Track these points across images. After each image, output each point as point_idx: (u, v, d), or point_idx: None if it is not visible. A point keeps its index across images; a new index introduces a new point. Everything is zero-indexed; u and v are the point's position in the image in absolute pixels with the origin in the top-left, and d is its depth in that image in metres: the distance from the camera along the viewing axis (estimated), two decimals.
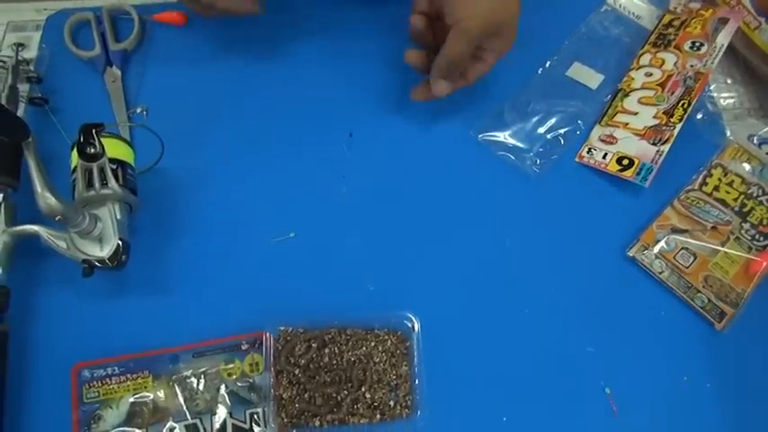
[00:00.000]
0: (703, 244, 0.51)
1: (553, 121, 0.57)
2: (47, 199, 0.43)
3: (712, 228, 0.52)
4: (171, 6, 0.60)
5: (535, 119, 0.57)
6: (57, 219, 0.43)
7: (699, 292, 0.50)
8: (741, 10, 0.60)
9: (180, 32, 0.60)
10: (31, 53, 0.59)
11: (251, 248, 0.51)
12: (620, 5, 0.63)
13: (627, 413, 0.47)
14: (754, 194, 0.53)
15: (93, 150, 0.47)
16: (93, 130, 0.47)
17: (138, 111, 0.57)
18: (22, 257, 0.48)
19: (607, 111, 0.57)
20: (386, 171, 0.55)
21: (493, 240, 0.52)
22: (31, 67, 0.58)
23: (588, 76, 0.59)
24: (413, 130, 0.57)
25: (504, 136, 0.56)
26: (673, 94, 0.56)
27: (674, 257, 0.51)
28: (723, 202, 0.53)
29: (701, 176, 0.55)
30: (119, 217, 0.48)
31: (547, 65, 0.60)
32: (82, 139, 0.47)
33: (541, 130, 0.57)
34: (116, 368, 0.46)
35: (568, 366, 0.48)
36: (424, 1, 0.52)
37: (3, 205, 0.48)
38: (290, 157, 0.55)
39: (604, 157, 0.54)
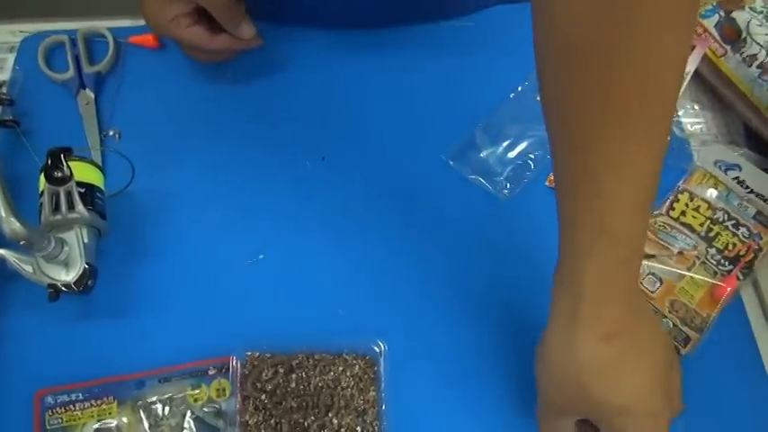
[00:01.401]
0: (670, 269, 0.52)
1: (524, 145, 0.58)
2: (11, 224, 0.42)
3: (678, 253, 0.53)
4: (146, 29, 0.61)
5: (506, 143, 0.58)
6: (21, 243, 0.43)
7: (664, 316, 0.50)
8: (707, 37, 0.62)
9: (154, 56, 0.60)
10: (4, 75, 0.59)
11: (219, 272, 0.51)
12: None
13: None
14: (720, 219, 0.54)
15: (60, 174, 0.47)
16: (61, 154, 0.47)
17: (111, 134, 0.57)
18: None
19: None
20: (357, 195, 0.55)
21: (462, 264, 0.52)
22: (4, 90, 0.58)
23: None
24: (384, 154, 0.57)
25: (475, 159, 0.57)
26: None
27: (640, 282, 0.52)
28: (690, 227, 0.54)
29: (668, 201, 0.55)
30: (86, 241, 0.48)
31: (518, 89, 0.61)
32: (49, 163, 0.47)
33: (512, 153, 0.57)
34: (80, 394, 0.46)
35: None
36: None
37: None
38: (260, 180, 0.55)
39: None
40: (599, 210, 0.35)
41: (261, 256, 0.52)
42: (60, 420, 0.45)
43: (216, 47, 0.55)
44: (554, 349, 0.38)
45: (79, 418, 0.45)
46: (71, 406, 0.46)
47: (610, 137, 0.34)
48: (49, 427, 0.45)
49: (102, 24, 0.62)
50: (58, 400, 0.46)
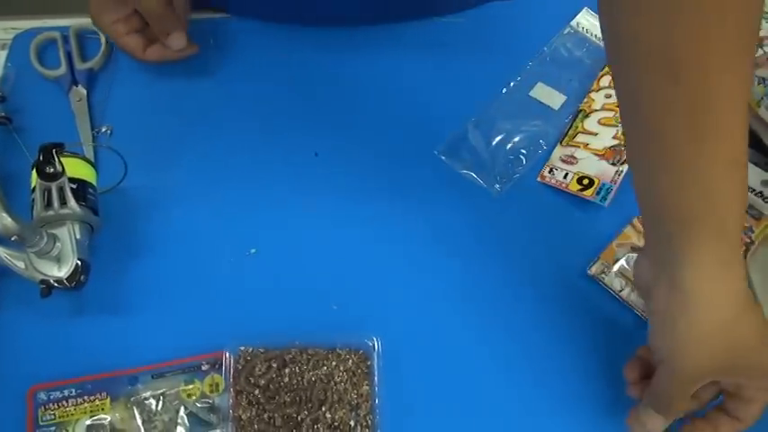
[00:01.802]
0: None
1: (516, 140, 0.58)
2: (2, 219, 0.42)
3: None
4: None
5: (498, 138, 0.58)
6: (13, 239, 0.43)
7: None
8: None
9: None
10: None
11: (212, 268, 0.51)
12: (583, 28, 0.65)
13: (591, 430, 0.47)
14: None
15: (52, 170, 0.47)
16: (53, 150, 0.47)
17: (104, 130, 0.57)
18: None
19: (568, 131, 0.58)
20: (350, 190, 0.55)
21: (455, 259, 0.52)
22: None
23: (551, 97, 0.60)
24: (377, 149, 0.57)
25: (467, 155, 0.57)
26: None
27: (633, 275, 0.52)
28: None
29: None
30: (78, 237, 0.48)
31: (511, 85, 0.61)
32: (41, 159, 0.47)
33: (504, 149, 0.57)
34: (73, 390, 0.46)
35: (531, 385, 0.48)
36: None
37: None
38: (253, 176, 0.55)
39: (565, 176, 0.55)
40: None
41: (252, 251, 0.52)
42: (53, 416, 0.45)
43: (147, 59, 0.57)
44: (711, 318, 0.38)
45: (72, 415, 0.45)
46: (64, 402, 0.45)
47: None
48: (41, 423, 0.45)
49: None
50: (51, 397, 0.46)
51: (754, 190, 0.55)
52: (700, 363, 0.38)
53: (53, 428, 0.45)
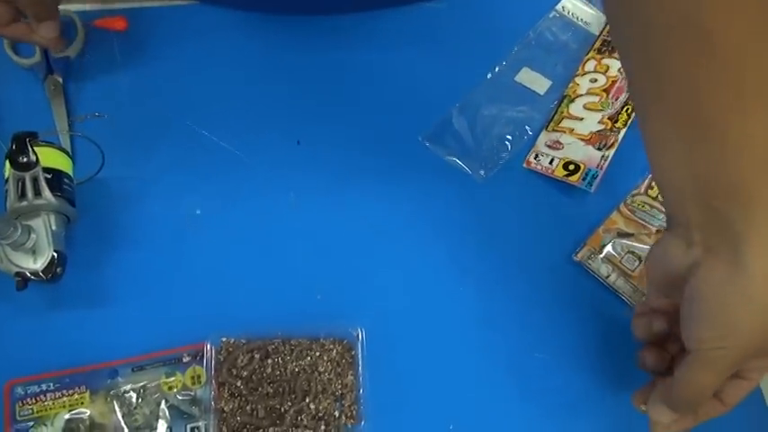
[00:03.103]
0: (648, 247, 0.52)
1: (501, 126, 0.57)
2: None
3: (657, 231, 0.52)
4: (112, 12, 0.59)
5: (483, 124, 0.57)
6: None
7: (644, 295, 0.50)
8: None
9: (123, 39, 0.59)
10: None
11: (192, 259, 0.50)
12: (569, 12, 0.64)
13: (577, 417, 0.47)
14: None
15: (25, 160, 0.45)
16: (26, 139, 0.46)
17: (80, 119, 0.56)
18: None
19: (553, 116, 0.57)
20: (333, 178, 0.54)
21: (439, 245, 0.52)
22: None
23: (536, 82, 0.60)
24: (360, 136, 0.56)
25: (451, 141, 0.56)
26: (617, 99, 0.56)
27: (620, 261, 0.51)
28: None
29: (646, 180, 0.55)
30: (54, 228, 0.46)
31: (496, 70, 0.60)
32: (14, 148, 0.45)
33: (489, 135, 0.57)
34: (51, 384, 0.45)
35: (517, 373, 0.48)
36: (655, 291, 0.42)
37: None
38: (234, 165, 0.54)
39: (551, 162, 0.55)
40: None
41: (197, 212, 0.51)
42: (31, 411, 0.44)
43: (7, 34, 0.52)
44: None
45: (50, 409, 0.44)
46: (42, 396, 0.45)
47: None
48: (19, 419, 0.44)
49: (69, 8, 0.60)
50: (29, 391, 0.45)
51: None
52: (736, 346, 0.36)
53: (31, 423, 0.44)
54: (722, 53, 0.32)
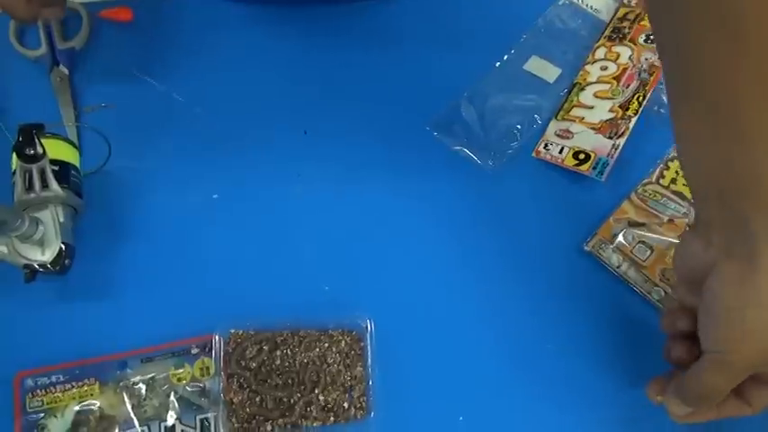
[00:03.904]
0: (660, 237, 0.51)
1: (510, 115, 0.56)
2: None
3: (669, 221, 0.52)
4: (117, 3, 0.59)
5: (492, 113, 0.56)
6: None
7: (656, 285, 0.50)
8: None
9: (127, 29, 0.58)
10: None
11: (200, 250, 0.50)
12: None
13: (588, 408, 0.47)
14: None
15: (32, 152, 0.45)
16: (33, 131, 0.46)
17: (86, 111, 0.55)
18: None
19: (563, 105, 0.57)
20: (341, 168, 0.54)
21: (448, 236, 0.51)
22: None
23: (546, 70, 0.59)
24: (368, 126, 0.56)
25: (460, 130, 0.55)
26: (628, 87, 0.56)
27: (631, 251, 0.51)
28: (680, 194, 0.53)
29: (657, 169, 0.54)
30: (62, 220, 0.46)
31: (505, 58, 0.59)
32: (20, 140, 0.45)
33: (498, 124, 0.56)
34: (61, 376, 0.45)
35: (527, 363, 0.48)
36: (682, 288, 0.41)
37: None
38: (241, 157, 0.54)
39: (561, 151, 0.54)
40: None
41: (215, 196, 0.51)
42: (41, 402, 0.44)
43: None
44: None
45: (60, 401, 0.44)
46: (52, 388, 0.45)
47: None
48: (29, 410, 0.44)
49: None
50: (39, 383, 0.45)
51: None
52: (748, 354, 0.35)
53: (41, 415, 0.44)
54: (754, 40, 0.31)
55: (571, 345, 0.48)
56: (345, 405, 0.45)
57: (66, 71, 0.56)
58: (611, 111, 0.55)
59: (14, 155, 0.46)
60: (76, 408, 0.44)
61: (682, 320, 0.41)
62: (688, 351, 0.41)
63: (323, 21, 0.61)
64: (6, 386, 0.44)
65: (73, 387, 0.45)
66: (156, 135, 0.55)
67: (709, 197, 0.37)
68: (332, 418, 0.45)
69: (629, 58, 0.57)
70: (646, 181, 0.54)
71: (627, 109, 0.54)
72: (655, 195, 0.53)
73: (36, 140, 0.45)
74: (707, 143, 0.35)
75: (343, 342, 0.47)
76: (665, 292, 0.49)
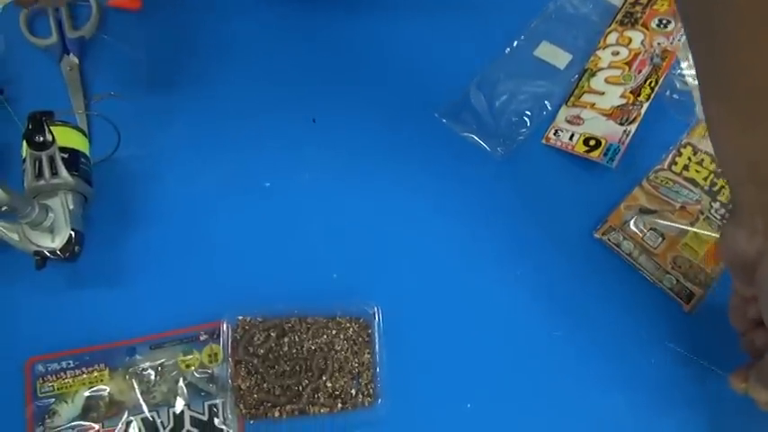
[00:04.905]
0: (672, 224, 0.50)
1: (520, 101, 0.56)
2: None
3: (681, 208, 0.51)
4: None
5: (501, 99, 0.56)
6: (2, 209, 0.42)
7: (667, 273, 0.49)
8: None
9: (136, 17, 0.59)
10: None
11: (209, 237, 0.50)
12: None
13: (596, 397, 0.46)
14: None
15: (41, 139, 0.46)
16: (42, 118, 0.46)
17: (96, 99, 0.56)
18: None
19: (574, 91, 0.56)
20: (349, 156, 0.54)
21: (456, 224, 0.51)
22: None
23: (556, 56, 0.58)
24: (377, 113, 0.55)
25: (469, 117, 0.55)
26: (640, 72, 0.55)
27: (642, 238, 0.50)
28: (693, 181, 0.52)
29: (670, 156, 0.53)
30: (71, 207, 0.47)
31: (514, 44, 0.59)
32: (30, 128, 0.45)
33: (507, 111, 0.56)
34: (71, 362, 0.45)
35: (535, 351, 0.47)
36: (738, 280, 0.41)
37: None
38: (249, 144, 0.54)
39: (571, 138, 0.53)
40: None
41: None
42: (52, 388, 0.45)
43: None
44: None
45: (71, 386, 0.45)
46: (62, 374, 0.45)
47: None
48: (40, 395, 0.45)
49: None
50: (49, 368, 0.45)
51: None
52: None
53: (52, 400, 0.44)
54: None
55: (580, 332, 0.48)
56: (353, 392, 0.45)
57: (76, 60, 0.57)
58: (622, 96, 0.54)
59: (24, 142, 0.46)
60: (86, 393, 0.45)
61: (753, 309, 0.41)
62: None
63: (331, 8, 0.60)
64: (18, 372, 0.45)
65: (83, 373, 0.45)
66: (165, 124, 0.55)
67: (745, 182, 0.37)
68: (339, 405, 0.45)
69: (642, 42, 0.56)
70: (658, 167, 0.53)
71: (639, 94, 0.54)
72: (667, 182, 0.52)
73: (45, 128, 0.46)
74: (737, 131, 0.35)
75: (351, 329, 0.47)
76: (677, 279, 0.49)
